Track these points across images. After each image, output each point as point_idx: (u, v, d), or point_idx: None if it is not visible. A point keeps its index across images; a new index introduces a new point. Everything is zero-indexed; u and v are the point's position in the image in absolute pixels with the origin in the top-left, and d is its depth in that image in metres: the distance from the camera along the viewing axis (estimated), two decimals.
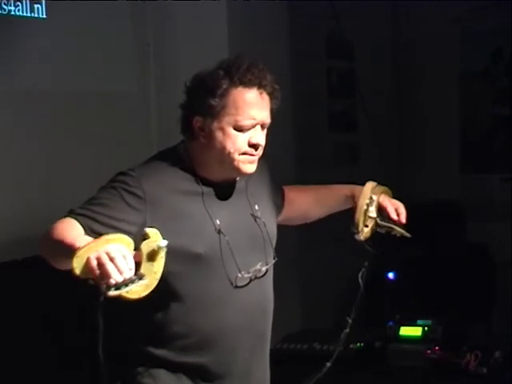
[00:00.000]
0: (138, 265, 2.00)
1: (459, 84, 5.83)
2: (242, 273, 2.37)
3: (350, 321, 2.55)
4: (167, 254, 2.07)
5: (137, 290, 1.99)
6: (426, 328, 3.69)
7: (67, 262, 2.02)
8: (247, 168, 2.35)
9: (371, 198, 2.50)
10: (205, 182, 2.37)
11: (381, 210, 2.54)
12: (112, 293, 1.94)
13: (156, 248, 2.02)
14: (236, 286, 2.36)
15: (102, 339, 2.08)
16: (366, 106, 5.58)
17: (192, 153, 2.38)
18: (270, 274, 2.51)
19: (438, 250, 4.96)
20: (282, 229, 2.63)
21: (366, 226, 2.51)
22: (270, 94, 2.35)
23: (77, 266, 1.96)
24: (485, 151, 5.78)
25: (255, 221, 2.45)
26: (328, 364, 2.60)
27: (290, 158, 4.80)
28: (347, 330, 2.56)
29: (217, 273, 2.33)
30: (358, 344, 3.68)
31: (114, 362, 2.29)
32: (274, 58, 4.38)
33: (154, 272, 2.02)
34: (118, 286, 1.94)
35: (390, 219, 2.54)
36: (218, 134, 2.31)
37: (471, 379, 3.44)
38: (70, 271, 2.00)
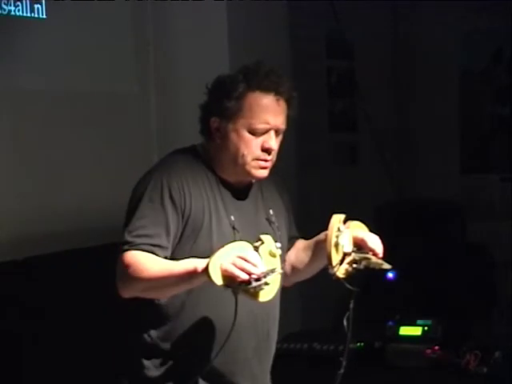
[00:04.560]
0: None
1: (459, 84, 5.83)
2: None
3: (344, 362, 2.43)
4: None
5: (265, 293, 2.14)
6: (425, 328, 3.69)
7: (179, 287, 2.23)
8: (259, 173, 2.40)
9: (339, 229, 2.36)
10: (222, 181, 2.43)
11: (357, 246, 2.40)
12: (254, 285, 2.08)
13: (273, 249, 2.15)
14: None
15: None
16: (366, 106, 5.59)
17: (210, 153, 2.44)
18: (280, 279, 2.52)
19: (437, 250, 4.95)
20: None
21: (342, 263, 2.36)
22: (287, 101, 2.41)
23: (214, 276, 2.09)
24: (485, 151, 5.78)
25: (269, 225, 2.49)
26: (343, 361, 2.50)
27: (290, 157, 4.80)
28: (342, 371, 2.44)
29: None
30: (358, 344, 3.68)
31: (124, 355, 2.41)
32: (274, 58, 4.38)
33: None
34: (257, 279, 2.08)
35: (368, 250, 2.39)
36: (233, 136, 2.37)
37: (471, 379, 3.45)
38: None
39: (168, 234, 2.31)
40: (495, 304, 5.06)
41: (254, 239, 2.34)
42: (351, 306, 2.39)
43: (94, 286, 3.45)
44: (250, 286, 2.07)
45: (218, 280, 2.08)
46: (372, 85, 5.63)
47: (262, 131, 2.36)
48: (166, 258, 2.30)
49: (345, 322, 2.39)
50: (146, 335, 2.40)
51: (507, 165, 5.47)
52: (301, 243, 2.64)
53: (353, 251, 2.39)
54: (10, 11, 3.62)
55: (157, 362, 2.39)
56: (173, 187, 2.34)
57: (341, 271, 2.37)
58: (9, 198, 3.60)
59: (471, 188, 5.76)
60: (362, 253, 2.40)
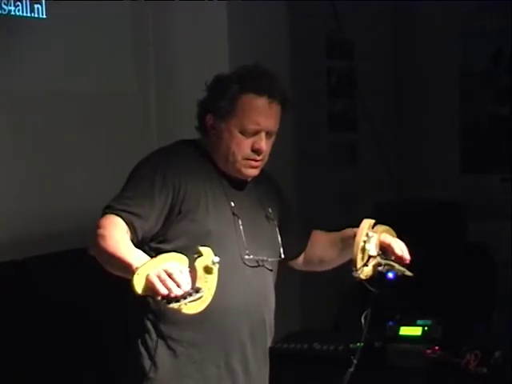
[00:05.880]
0: (193, 282, 2.10)
1: (459, 84, 5.83)
2: (248, 253, 2.44)
3: (355, 361, 2.56)
4: (181, 232, 2.32)
5: (193, 306, 2.10)
6: (425, 328, 3.68)
7: (121, 273, 2.19)
8: (248, 172, 2.48)
9: (367, 235, 2.43)
10: (221, 172, 2.51)
11: (382, 249, 2.49)
12: (172, 305, 2.05)
13: (210, 264, 2.12)
14: (244, 263, 2.43)
15: (155, 347, 2.40)
16: (366, 105, 5.59)
17: (207, 148, 2.51)
18: (274, 276, 2.59)
19: (437, 249, 4.95)
20: None
21: (366, 265, 2.45)
22: (281, 105, 2.46)
23: (137, 283, 2.07)
24: (485, 151, 5.78)
25: (268, 222, 2.57)
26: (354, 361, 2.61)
27: (290, 158, 4.80)
28: (352, 369, 2.55)
29: (225, 249, 2.38)
30: (358, 344, 3.67)
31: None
32: (274, 57, 4.39)
33: (208, 288, 2.13)
34: (177, 300, 2.05)
35: (393, 256, 2.48)
36: (226, 135, 2.44)
37: (471, 379, 3.44)
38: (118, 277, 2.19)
39: (152, 206, 2.36)
40: (495, 304, 5.06)
41: (251, 228, 2.45)
42: (369, 305, 2.51)
43: (94, 286, 3.45)
44: (169, 304, 2.05)
45: (138, 288, 2.06)
46: (372, 85, 5.63)
47: (253, 132, 2.43)
48: (143, 228, 2.34)
49: (362, 320, 2.52)
50: (145, 319, 2.44)
51: (507, 165, 5.46)
52: (324, 238, 2.71)
53: (378, 255, 2.46)
54: (9, 11, 3.63)
55: (151, 347, 2.43)
56: (168, 168, 2.41)
57: (364, 273, 2.45)
58: (9, 197, 3.60)
59: (471, 188, 5.75)
60: (386, 258, 2.47)
